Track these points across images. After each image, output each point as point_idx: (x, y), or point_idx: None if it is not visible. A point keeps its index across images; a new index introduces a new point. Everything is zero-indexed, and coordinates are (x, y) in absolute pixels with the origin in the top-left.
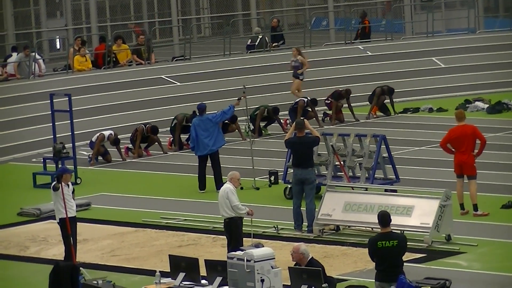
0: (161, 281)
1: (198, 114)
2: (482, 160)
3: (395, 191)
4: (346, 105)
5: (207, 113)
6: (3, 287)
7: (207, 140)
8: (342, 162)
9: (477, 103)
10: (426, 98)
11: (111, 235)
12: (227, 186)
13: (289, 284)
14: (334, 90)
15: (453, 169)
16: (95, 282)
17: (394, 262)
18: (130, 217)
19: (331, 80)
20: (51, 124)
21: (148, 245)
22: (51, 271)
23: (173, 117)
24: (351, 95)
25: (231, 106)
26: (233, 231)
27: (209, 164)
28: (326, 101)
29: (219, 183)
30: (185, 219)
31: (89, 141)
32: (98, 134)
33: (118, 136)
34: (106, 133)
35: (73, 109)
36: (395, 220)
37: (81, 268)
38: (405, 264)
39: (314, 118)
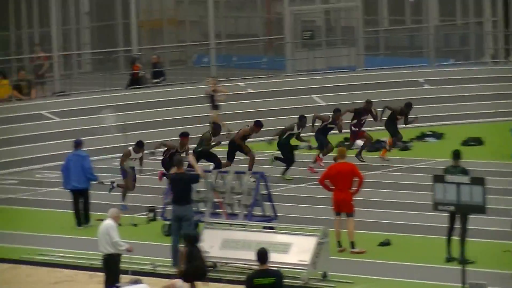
0: None
1: (74, 148)
2: (360, 198)
3: (273, 228)
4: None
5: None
6: None
7: (75, 175)
8: (221, 199)
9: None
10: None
11: None
12: (108, 222)
13: None
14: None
15: (332, 207)
16: None
17: None
18: (7, 254)
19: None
20: None
21: (23, 282)
22: None
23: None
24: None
25: (97, 179)
26: (112, 268)
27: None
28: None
29: (87, 219)
30: (62, 255)
31: None
32: None
33: None
34: None
35: None
36: (273, 257)
37: None
38: None
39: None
